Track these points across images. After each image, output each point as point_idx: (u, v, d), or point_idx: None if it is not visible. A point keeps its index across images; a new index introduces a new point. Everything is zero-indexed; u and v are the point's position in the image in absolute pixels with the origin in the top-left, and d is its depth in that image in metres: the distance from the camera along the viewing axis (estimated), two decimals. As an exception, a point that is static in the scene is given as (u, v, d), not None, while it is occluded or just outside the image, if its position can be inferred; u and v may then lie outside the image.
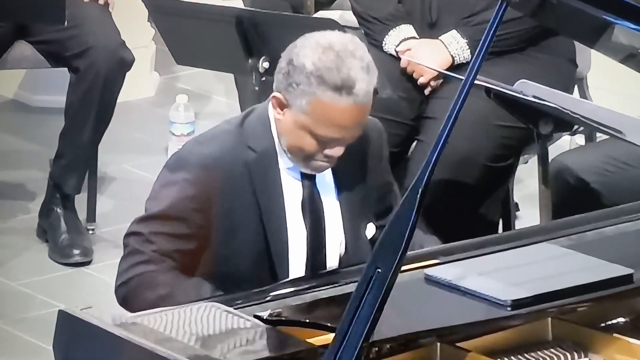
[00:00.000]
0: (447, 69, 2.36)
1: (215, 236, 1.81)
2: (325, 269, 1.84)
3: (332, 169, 1.85)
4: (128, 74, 2.73)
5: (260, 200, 1.81)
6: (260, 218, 1.81)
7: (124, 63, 2.70)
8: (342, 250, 1.86)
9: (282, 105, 1.81)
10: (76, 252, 2.67)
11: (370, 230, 1.89)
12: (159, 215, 1.80)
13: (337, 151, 1.81)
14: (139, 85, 3.21)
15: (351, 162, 1.86)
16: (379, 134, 1.90)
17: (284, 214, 1.83)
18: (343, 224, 1.85)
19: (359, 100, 1.78)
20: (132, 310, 1.74)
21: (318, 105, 1.77)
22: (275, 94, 1.81)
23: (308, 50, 1.78)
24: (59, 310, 1.63)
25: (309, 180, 1.84)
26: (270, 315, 1.62)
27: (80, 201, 2.76)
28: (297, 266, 1.84)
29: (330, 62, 1.77)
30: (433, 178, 1.49)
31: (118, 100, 2.73)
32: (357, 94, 1.77)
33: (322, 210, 1.84)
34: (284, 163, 1.84)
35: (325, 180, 1.86)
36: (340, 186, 1.86)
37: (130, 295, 1.78)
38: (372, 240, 1.88)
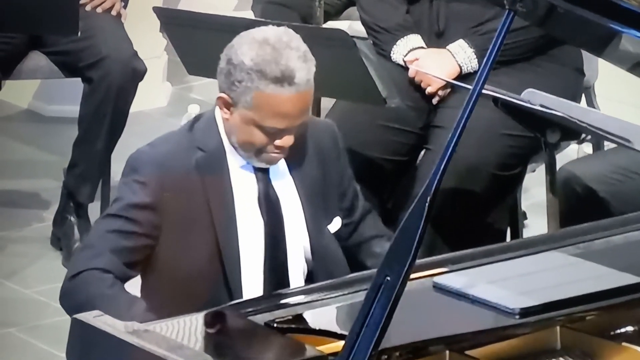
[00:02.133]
0: (454, 79, 2.37)
1: (167, 235, 1.84)
2: (286, 263, 1.85)
3: (288, 166, 1.88)
4: (140, 84, 2.75)
5: (211, 200, 1.84)
6: (211, 217, 1.84)
7: (137, 73, 2.72)
8: (307, 245, 1.87)
9: (227, 105, 1.84)
10: (89, 260, 2.72)
11: (336, 224, 1.90)
12: (113, 214, 1.83)
13: (287, 141, 1.83)
14: (151, 96, 3.23)
15: (307, 159, 1.89)
16: (332, 134, 1.94)
17: (234, 213, 1.85)
18: (304, 216, 1.87)
19: (301, 89, 1.81)
20: (73, 300, 1.79)
21: (262, 98, 1.80)
22: (219, 95, 1.84)
23: (245, 48, 1.81)
24: (73, 318, 1.65)
25: (263, 173, 1.86)
26: (280, 322, 1.63)
27: (94, 210, 2.78)
28: (253, 263, 1.85)
29: (268, 56, 1.79)
30: (441, 186, 1.50)
31: (131, 111, 2.75)
32: (298, 83, 1.80)
33: (279, 204, 1.86)
34: (236, 162, 1.87)
35: (282, 177, 1.87)
36: (298, 182, 1.88)
37: (77, 286, 1.82)
38: (337, 235, 1.89)
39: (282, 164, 1.88)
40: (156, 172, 1.84)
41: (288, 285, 1.87)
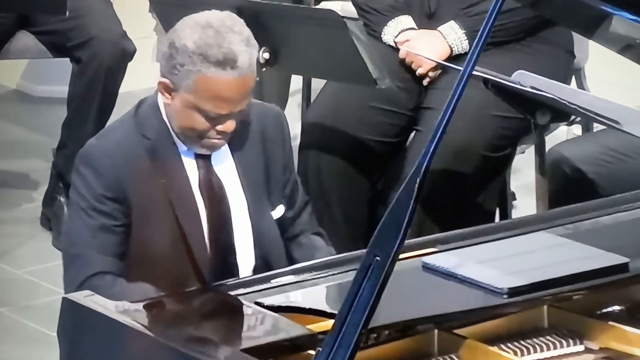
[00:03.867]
0: (445, 60, 2.37)
1: (134, 220, 1.83)
2: (234, 247, 1.84)
3: (230, 151, 1.87)
4: (130, 65, 2.75)
5: (166, 184, 1.84)
6: (170, 202, 1.83)
7: (126, 54, 2.71)
8: (250, 231, 1.86)
9: (168, 90, 1.83)
10: (79, 240, 2.72)
11: (279, 211, 1.90)
12: (82, 214, 1.83)
13: (229, 126, 1.81)
14: (140, 76, 3.21)
15: (250, 145, 1.88)
16: (278, 119, 1.92)
17: (191, 192, 1.84)
18: (247, 202, 1.86)
19: (242, 73, 1.79)
20: None
21: (203, 82, 1.79)
22: (160, 79, 1.83)
23: (188, 31, 1.79)
24: (63, 298, 1.65)
25: (203, 160, 1.85)
26: (270, 301, 1.64)
27: (83, 190, 2.81)
28: (204, 246, 1.84)
29: (211, 39, 1.78)
30: (431, 167, 1.50)
31: (120, 91, 2.75)
32: (241, 67, 1.78)
33: (222, 189, 1.86)
34: (180, 146, 1.85)
35: (224, 162, 1.86)
36: (241, 168, 1.87)
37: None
38: (279, 221, 1.89)
39: (226, 150, 1.86)
40: (109, 162, 1.83)
41: (237, 269, 1.86)
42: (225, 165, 1.87)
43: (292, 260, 1.90)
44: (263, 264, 1.87)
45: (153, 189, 1.84)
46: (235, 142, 1.86)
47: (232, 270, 1.85)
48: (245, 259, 1.88)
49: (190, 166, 1.86)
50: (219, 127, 1.82)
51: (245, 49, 1.80)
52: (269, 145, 1.90)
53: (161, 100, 1.86)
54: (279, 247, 1.89)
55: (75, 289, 1.83)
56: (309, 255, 1.89)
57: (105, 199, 1.83)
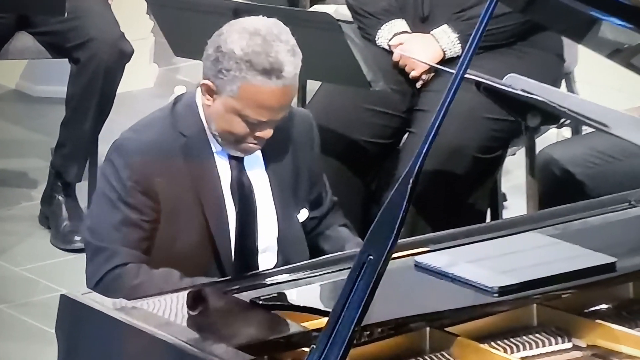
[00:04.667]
0: (438, 63, 2.40)
1: (161, 216, 1.84)
2: (257, 251, 1.87)
3: (262, 154, 1.90)
4: (127, 66, 2.76)
5: (197, 182, 1.86)
6: (199, 201, 1.85)
7: (124, 54, 2.73)
8: (276, 234, 1.90)
9: (211, 92, 1.85)
10: (77, 238, 2.71)
11: (303, 215, 1.93)
12: (109, 205, 1.84)
13: (267, 133, 1.85)
14: (138, 77, 3.24)
15: (281, 149, 1.91)
16: (309, 125, 1.96)
17: (221, 193, 1.87)
18: (274, 205, 1.89)
19: (287, 83, 1.82)
20: None
21: (248, 89, 1.81)
22: (204, 81, 1.85)
23: (235, 36, 1.81)
24: (61, 295, 1.67)
25: (237, 161, 1.87)
26: (266, 299, 1.66)
27: (82, 189, 2.80)
28: (229, 246, 1.87)
29: (258, 47, 1.80)
30: (424, 168, 1.53)
31: (118, 91, 2.76)
32: (286, 76, 1.82)
33: (252, 191, 1.87)
34: (214, 146, 1.87)
35: (256, 164, 1.88)
36: (271, 170, 1.89)
37: (107, 292, 1.80)
38: (304, 225, 1.92)
39: (257, 152, 1.89)
40: (143, 158, 1.84)
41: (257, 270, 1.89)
42: (256, 168, 1.89)
43: (322, 253, 1.90)
44: (284, 265, 1.87)
45: (183, 186, 1.84)
46: (267, 146, 1.88)
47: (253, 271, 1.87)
48: (267, 262, 1.90)
49: (223, 166, 1.88)
50: (258, 133, 1.84)
51: (291, 59, 1.82)
52: (299, 148, 1.92)
53: (200, 99, 1.87)
54: (303, 250, 1.92)
55: (97, 281, 1.83)
56: (339, 247, 1.91)
57: (135, 192, 1.82)
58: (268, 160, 1.90)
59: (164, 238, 1.86)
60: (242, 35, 1.82)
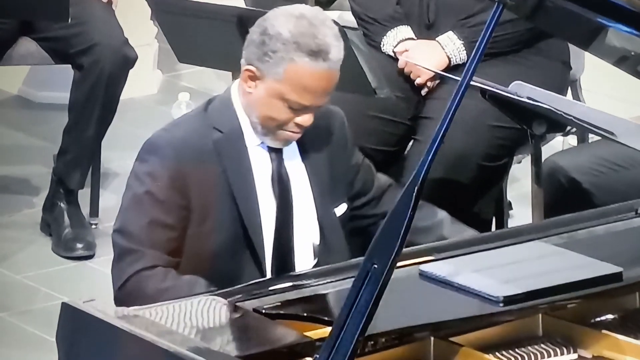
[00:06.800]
0: (443, 70, 2.39)
1: (193, 216, 1.83)
2: (293, 246, 1.87)
3: (299, 150, 1.89)
4: (131, 72, 2.76)
5: (231, 179, 1.85)
6: (232, 196, 1.84)
7: (127, 61, 2.73)
8: (315, 229, 1.88)
9: (254, 77, 1.84)
10: (79, 246, 2.71)
11: (341, 209, 1.92)
12: (140, 205, 1.82)
13: (307, 120, 1.84)
14: (141, 83, 3.24)
15: (317, 145, 1.91)
16: (341, 121, 1.94)
17: (254, 190, 1.86)
18: (314, 199, 1.88)
19: (332, 66, 1.83)
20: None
21: (294, 71, 1.81)
22: (247, 66, 1.84)
23: (282, 19, 1.82)
24: (62, 303, 1.66)
25: (276, 153, 1.87)
26: (269, 308, 1.66)
27: (84, 196, 2.80)
28: (269, 239, 1.86)
29: (305, 29, 1.81)
30: (429, 176, 1.52)
31: (121, 98, 2.76)
32: (332, 59, 1.82)
33: (289, 184, 1.86)
34: (252, 141, 1.86)
35: (294, 159, 1.88)
36: (308, 166, 1.90)
37: (130, 294, 1.80)
38: (341, 219, 1.91)
39: (294, 146, 1.89)
40: (175, 155, 1.82)
41: (293, 267, 1.87)
42: (294, 163, 1.88)
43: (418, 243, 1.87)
44: (324, 261, 1.86)
45: (217, 181, 1.84)
46: (303, 141, 1.88)
47: (289, 268, 1.86)
48: (303, 258, 1.89)
49: (262, 159, 1.87)
50: (298, 120, 1.84)
51: (337, 43, 1.82)
52: (335, 146, 1.92)
53: (235, 95, 1.86)
54: (343, 245, 1.90)
55: (123, 282, 1.81)
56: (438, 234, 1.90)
57: (166, 189, 1.81)
58: (305, 155, 1.89)
59: (198, 235, 1.83)
60: (288, 18, 1.81)
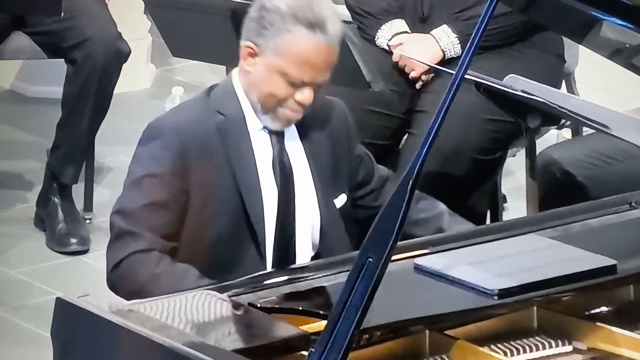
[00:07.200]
0: (438, 64, 2.39)
1: (194, 200, 1.83)
2: (294, 233, 1.86)
3: (300, 139, 1.89)
4: (124, 66, 2.75)
5: (233, 162, 1.85)
6: (235, 180, 1.84)
7: (121, 55, 2.72)
8: (317, 216, 1.88)
9: (253, 54, 1.84)
10: (73, 240, 2.70)
11: (341, 200, 1.92)
12: (140, 187, 1.81)
13: (308, 97, 1.83)
14: (135, 77, 3.23)
15: (318, 136, 1.90)
16: (342, 111, 1.95)
17: (257, 174, 1.86)
18: (315, 187, 1.88)
19: (330, 41, 1.82)
20: (125, 291, 1.76)
21: (292, 43, 1.81)
22: (245, 43, 1.84)
23: None
24: (57, 298, 1.65)
25: (278, 137, 1.86)
26: (264, 302, 1.65)
27: (78, 191, 2.79)
28: (271, 224, 1.86)
29: (303, 2, 1.82)
30: (423, 170, 1.52)
31: (114, 92, 2.75)
32: (329, 33, 1.82)
33: (292, 170, 1.86)
34: (254, 125, 1.86)
35: (295, 146, 1.87)
36: (310, 154, 1.90)
37: (123, 276, 1.79)
38: (341, 210, 1.91)
39: (295, 134, 1.88)
40: (178, 138, 1.82)
41: (294, 254, 1.87)
42: (295, 150, 1.88)
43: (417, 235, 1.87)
44: (325, 251, 1.86)
45: (219, 166, 1.83)
46: (305, 130, 1.87)
47: (290, 256, 1.86)
48: (303, 246, 1.88)
49: (263, 144, 1.85)
50: (298, 97, 1.83)
51: (334, 18, 1.82)
52: (336, 136, 1.91)
53: (237, 79, 1.85)
54: (342, 233, 1.90)
55: (117, 262, 1.79)
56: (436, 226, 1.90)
57: (167, 173, 1.81)
58: (306, 144, 1.89)
59: (199, 220, 1.82)
60: None
